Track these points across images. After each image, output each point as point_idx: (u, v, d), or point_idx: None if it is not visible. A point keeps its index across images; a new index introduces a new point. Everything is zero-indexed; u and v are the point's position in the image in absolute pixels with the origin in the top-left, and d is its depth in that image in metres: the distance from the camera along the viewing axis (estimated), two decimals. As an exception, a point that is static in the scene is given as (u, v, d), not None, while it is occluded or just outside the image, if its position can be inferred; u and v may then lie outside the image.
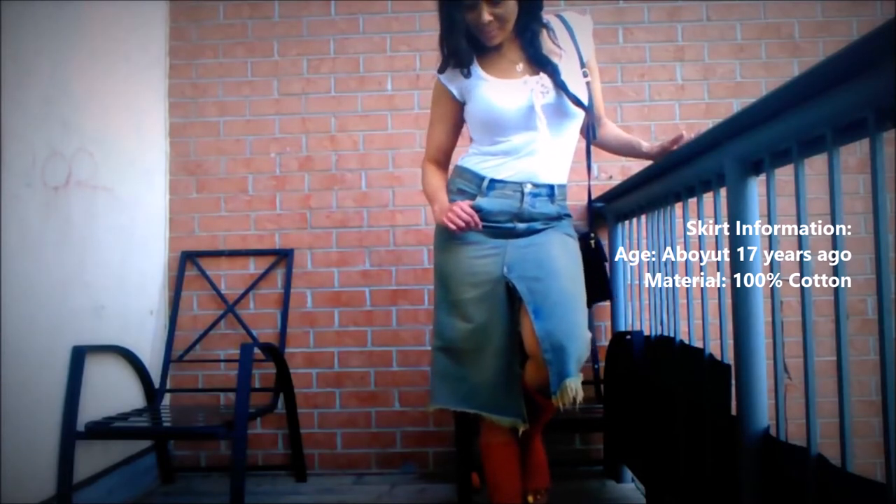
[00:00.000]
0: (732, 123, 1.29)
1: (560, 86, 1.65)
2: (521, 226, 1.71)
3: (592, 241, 1.85)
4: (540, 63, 1.67)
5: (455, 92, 1.75)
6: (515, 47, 1.71)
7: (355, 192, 2.72)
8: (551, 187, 1.72)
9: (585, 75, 1.72)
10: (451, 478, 2.42)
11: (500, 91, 1.67)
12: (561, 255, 1.68)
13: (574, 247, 1.76)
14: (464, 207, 1.65)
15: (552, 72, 1.66)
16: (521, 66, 1.70)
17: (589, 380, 2.51)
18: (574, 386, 1.55)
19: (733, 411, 1.32)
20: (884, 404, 0.91)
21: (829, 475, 1.03)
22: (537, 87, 1.65)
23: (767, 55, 2.67)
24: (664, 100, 2.69)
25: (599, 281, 1.86)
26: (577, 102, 1.67)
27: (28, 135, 1.92)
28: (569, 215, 1.80)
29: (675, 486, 1.67)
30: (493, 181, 1.70)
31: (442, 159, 1.85)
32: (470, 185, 1.73)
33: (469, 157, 1.77)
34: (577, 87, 1.68)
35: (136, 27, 2.56)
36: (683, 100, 2.68)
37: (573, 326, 1.59)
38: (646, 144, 1.81)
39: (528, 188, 1.69)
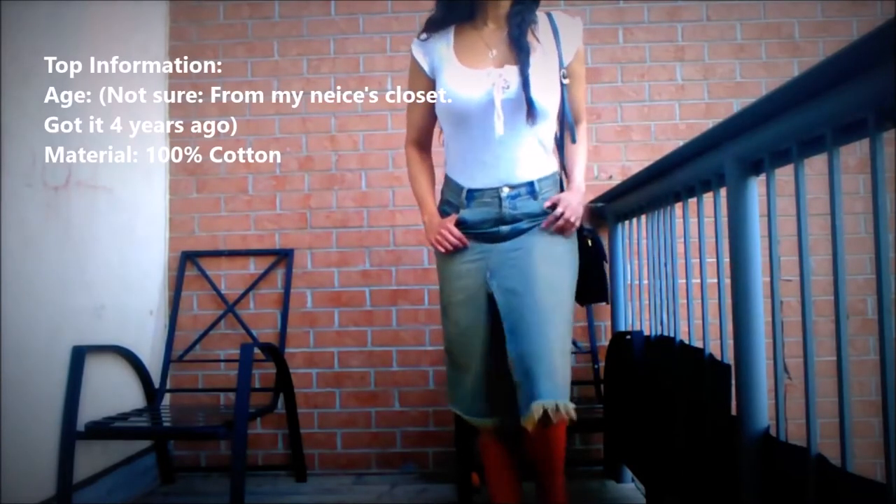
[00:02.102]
0: (732, 123, 1.29)
1: (524, 81, 1.60)
2: (506, 228, 1.65)
3: (590, 240, 1.79)
4: (520, 48, 1.62)
5: (426, 67, 1.72)
6: (498, 31, 1.68)
7: (355, 192, 2.72)
8: (531, 183, 1.65)
9: (564, 77, 1.68)
10: (451, 478, 2.43)
11: (461, 79, 1.64)
12: (544, 261, 1.61)
13: (562, 247, 1.67)
14: (451, 230, 1.64)
15: (523, 61, 1.61)
16: (493, 53, 1.66)
17: (589, 380, 2.53)
18: (541, 408, 1.47)
19: (733, 411, 1.32)
20: (884, 404, 0.91)
21: (829, 475, 1.03)
22: (499, 81, 1.61)
23: (767, 55, 2.67)
24: (664, 100, 2.69)
25: (597, 282, 1.81)
26: (531, 106, 1.60)
27: (28, 135, 1.92)
28: None
29: (675, 486, 1.67)
30: (470, 191, 1.67)
31: (423, 140, 1.80)
32: (454, 195, 1.70)
33: (449, 162, 1.74)
34: (545, 85, 1.63)
35: (136, 27, 2.56)
36: (683, 100, 2.68)
37: (543, 349, 1.52)
38: (568, 186, 1.74)
39: (505, 192, 1.64)
